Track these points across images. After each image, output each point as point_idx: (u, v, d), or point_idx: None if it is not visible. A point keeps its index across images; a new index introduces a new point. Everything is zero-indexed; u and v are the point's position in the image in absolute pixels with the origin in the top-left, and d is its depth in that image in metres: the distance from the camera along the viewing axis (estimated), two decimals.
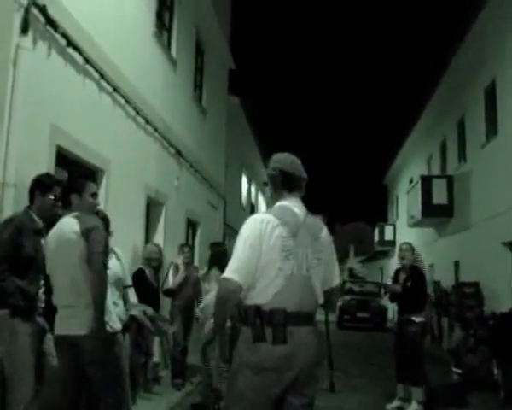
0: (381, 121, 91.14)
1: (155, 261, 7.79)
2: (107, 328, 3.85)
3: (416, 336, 7.66)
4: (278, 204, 3.36)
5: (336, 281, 3.49)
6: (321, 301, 3.32)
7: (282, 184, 3.39)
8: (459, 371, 10.14)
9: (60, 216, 4.33)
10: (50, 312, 4.22)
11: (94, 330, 3.70)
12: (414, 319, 7.62)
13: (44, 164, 5.39)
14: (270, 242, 3.11)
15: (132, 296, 5.94)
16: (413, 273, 7.80)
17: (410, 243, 8.30)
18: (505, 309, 9.75)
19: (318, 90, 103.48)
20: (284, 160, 3.45)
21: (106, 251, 3.92)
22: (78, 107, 6.35)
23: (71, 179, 4.41)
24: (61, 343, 3.97)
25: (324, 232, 3.39)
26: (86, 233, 3.81)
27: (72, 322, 3.84)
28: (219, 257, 7.08)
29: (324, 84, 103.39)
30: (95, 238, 3.82)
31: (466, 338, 10.54)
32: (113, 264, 5.08)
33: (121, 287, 5.32)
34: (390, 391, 9.31)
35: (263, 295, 3.10)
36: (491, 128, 13.84)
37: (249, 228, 3.17)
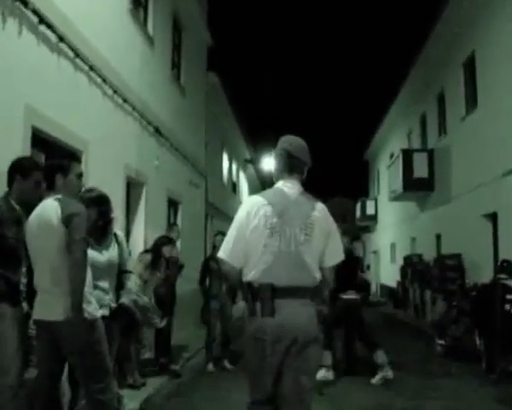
0: (361, 96, 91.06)
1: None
2: (85, 315, 3.74)
3: (340, 310, 8.38)
4: (274, 186, 3.60)
5: (335, 259, 3.55)
6: (317, 275, 3.42)
7: (284, 165, 3.59)
8: (442, 342, 10.26)
9: (41, 199, 4.22)
10: (32, 296, 4.15)
11: (71, 317, 3.63)
12: (341, 296, 8.33)
13: (19, 146, 5.26)
14: (254, 220, 3.34)
15: (130, 282, 5.82)
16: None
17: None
18: (486, 280, 9.84)
19: (298, 66, 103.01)
20: (292, 142, 3.64)
21: (86, 238, 3.81)
22: (53, 86, 6.20)
23: (56, 159, 4.19)
24: (40, 328, 3.93)
25: (317, 211, 3.46)
26: (67, 219, 3.70)
27: (50, 308, 3.76)
28: None
29: (305, 61, 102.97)
30: (76, 225, 3.70)
31: (448, 310, 10.64)
32: (110, 248, 4.92)
33: (114, 273, 5.06)
34: (372, 365, 9.40)
35: (254, 272, 3.31)
36: (471, 101, 13.85)
37: (240, 210, 3.45)
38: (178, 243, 11.77)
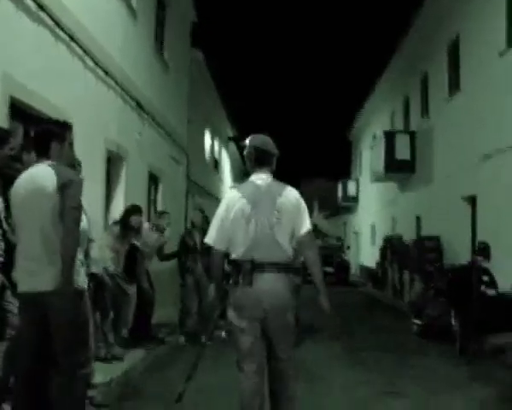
0: (344, 77, 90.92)
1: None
2: (75, 286, 3.65)
3: None
4: (248, 180, 4.26)
5: (303, 229, 4.09)
6: (289, 252, 4.06)
7: (255, 161, 4.24)
8: (419, 322, 10.39)
9: (18, 171, 4.14)
10: (9, 268, 4.09)
11: (61, 287, 3.52)
12: None
13: None
14: (233, 212, 4.04)
15: (93, 251, 5.80)
16: None
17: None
18: (464, 262, 9.96)
19: (283, 46, 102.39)
20: (257, 139, 4.31)
21: (80, 207, 3.71)
22: (32, 56, 6.08)
23: (50, 126, 4.02)
24: (26, 301, 3.77)
25: (285, 195, 4.10)
26: (63, 187, 3.59)
27: (38, 277, 3.62)
28: None
29: (289, 40, 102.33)
30: (71, 193, 3.60)
31: (426, 291, 10.78)
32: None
33: (85, 243, 5.02)
34: (349, 344, 9.51)
35: (237, 252, 4.01)
36: (454, 84, 13.91)
37: (222, 204, 4.19)
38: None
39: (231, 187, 4.58)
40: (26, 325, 3.79)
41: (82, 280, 3.79)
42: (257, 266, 3.92)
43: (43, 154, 3.84)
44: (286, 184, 4.21)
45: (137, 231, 7.70)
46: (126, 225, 7.36)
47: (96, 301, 6.44)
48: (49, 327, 3.69)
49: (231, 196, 4.21)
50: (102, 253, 6.83)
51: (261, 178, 4.18)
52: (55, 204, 3.60)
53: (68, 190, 3.59)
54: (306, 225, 4.11)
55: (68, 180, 3.62)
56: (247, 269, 3.93)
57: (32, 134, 4.05)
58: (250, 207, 4.02)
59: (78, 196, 3.67)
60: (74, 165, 4.46)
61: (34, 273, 3.64)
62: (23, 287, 3.73)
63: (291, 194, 4.13)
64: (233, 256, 4.04)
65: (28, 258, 3.69)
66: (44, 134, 3.95)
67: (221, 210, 4.15)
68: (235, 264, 4.02)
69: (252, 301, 3.90)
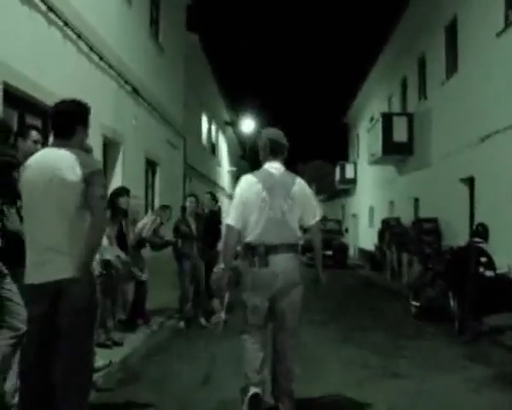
0: (341, 59, 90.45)
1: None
2: (92, 272, 3.60)
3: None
4: (262, 168, 4.71)
5: (315, 218, 4.76)
6: (298, 234, 4.66)
7: (269, 151, 4.71)
8: (417, 303, 10.41)
9: (13, 157, 4.09)
10: (6, 255, 4.06)
11: (80, 274, 3.42)
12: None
13: None
14: (250, 196, 4.49)
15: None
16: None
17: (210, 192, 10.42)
18: (462, 244, 9.96)
19: (279, 28, 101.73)
20: (271, 131, 4.86)
21: (106, 196, 3.61)
22: (25, 41, 6.03)
23: (75, 106, 3.73)
24: (35, 292, 3.58)
25: (296, 186, 4.61)
26: (89, 176, 3.44)
27: (56, 266, 3.48)
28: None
29: (286, 22, 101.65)
30: (98, 182, 3.47)
31: (424, 272, 10.78)
32: None
33: None
34: (347, 326, 9.54)
35: (251, 235, 4.46)
36: (452, 65, 13.84)
37: (239, 188, 4.61)
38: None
39: (244, 175, 4.82)
40: (35, 317, 3.63)
41: (96, 266, 3.76)
42: (271, 249, 4.43)
43: (65, 137, 3.61)
44: (296, 175, 4.74)
45: (125, 213, 7.63)
46: (114, 208, 7.24)
47: (107, 287, 6.46)
48: (57, 314, 3.55)
49: (248, 180, 4.62)
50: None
51: (275, 168, 4.66)
52: (79, 194, 3.43)
53: (94, 179, 3.45)
54: (317, 215, 4.75)
55: (94, 170, 3.49)
56: (262, 252, 4.42)
57: (53, 113, 3.72)
58: (265, 193, 4.48)
59: (104, 184, 3.58)
60: (87, 150, 4.23)
61: (50, 262, 3.48)
62: (34, 279, 3.55)
63: (302, 184, 4.67)
64: (248, 239, 4.47)
65: (43, 247, 3.51)
66: (70, 116, 3.70)
67: (238, 193, 4.59)
68: (250, 247, 4.47)
69: (268, 281, 4.42)
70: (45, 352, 3.62)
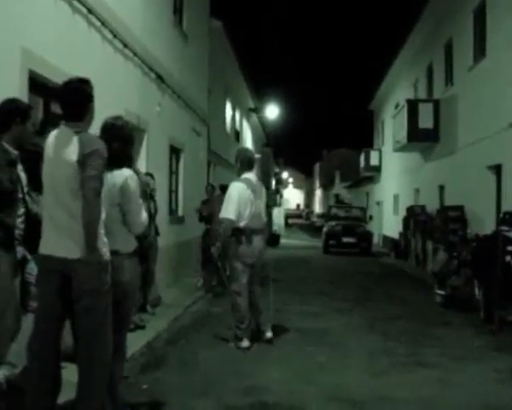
0: (367, 46, 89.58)
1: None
2: (101, 255, 3.61)
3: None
4: (243, 176, 7.08)
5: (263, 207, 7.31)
6: (266, 221, 7.39)
7: (247, 165, 7.19)
8: (442, 292, 10.32)
9: (37, 146, 4.12)
10: (30, 241, 4.10)
11: (86, 256, 3.49)
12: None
13: (16, 90, 5.16)
14: (243, 197, 6.82)
15: None
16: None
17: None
18: (488, 232, 9.83)
19: (305, 13, 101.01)
20: (247, 150, 7.85)
21: (101, 177, 3.59)
22: (50, 30, 6.05)
23: (84, 85, 3.78)
24: (46, 265, 3.69)
25: (263, 189, 7.33)
26: (85, 156, 3.51)
27: (65, 244, 3.57)
28: None
29: (311, 8, 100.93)
30: (92, 162, 3.51)
31: (449, 261, 10.66)
32: None
33: None
34: (372, 314, 9.50)
35: (243, 222, 6.83)
36: (480, 51, 13.57)
37: (235, 189, 6.88)
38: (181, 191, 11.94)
39: (237, 180, 7.10)
40: (45, 292, 3.73)
41: (107, 250, 3.70)
42: (253, 231, 6.86)
43: (76, 118, 3.69)
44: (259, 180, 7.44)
45: (151, 195, 8.02)
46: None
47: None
48: (69, 296, 3.64)
49: (242, 186, 6.90)
50: None
51: (252, 177, 7.15)
52: (75, 174, 3.53)
53: (89, 159, 3.51)
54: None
55: (91, 150, 3.54)
56: (248, 233, 6.82)
57: (61, 93, 3.79)
58: (252, 195, 6.89)
59: (100, 164, 3.57)
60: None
61: (61, 240, 3.60)
62: (46, 250, 3.67)
63: (263, 187, 7.40)
64: (240, 225, 6.78)
65: (53, 224, 3.64)
66: (85, 95, 3.78)
67: (235, 193, 6.81)
68: (240, 230, 6.79)
69: (251, 253, 6.86)
70: (55, 329, 3.74)
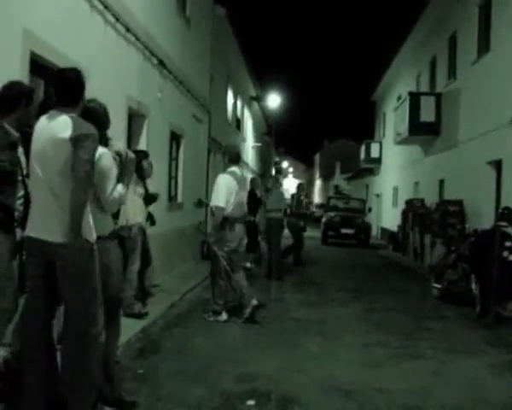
0: (370, 38, 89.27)
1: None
2: (86, 239, 3.62)
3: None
4: (230, 169, 7.89)
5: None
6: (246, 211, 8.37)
7: (233, 159, 8.07)
8: (439, 286, 10.35)
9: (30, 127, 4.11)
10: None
11: (70, 240, 3.51)
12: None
13: (17, 71, 5.14)
14: (231, 188, 7.62)
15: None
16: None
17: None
18: (487, 227, 9.84)
19: (309, 4, 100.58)
20: (235, 147, 9.20)
21: (93, 161, 3.62)
22: (52, 12, 6.01)
23: (77, 74, 3.81)
24: (32, 248, 3.74)
25: (246, 181, 8.03)
26: (76, 139, 3.54)
27: (48, 226, 3.61)
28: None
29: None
30: (84, 145, 3.55)
31: (447, 254, 10.69)
32: None
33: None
34: (368, 305, 9.53)
35: (228, 211, 7.59)
36: (484, 45, 13.51)
37: (223, 181, 7.71)
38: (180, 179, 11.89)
39: (225, 172, 7.94)
40: (32, 275, 3.77)
41: (93, 235, 3.74)
42: (236, 220, 7.68)
43: (70, 104, 3.75)
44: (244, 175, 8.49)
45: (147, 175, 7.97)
46: (139, 170, 7.40)
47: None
48: (56, 281, 3.68)
49: (229, 178, 7.71)
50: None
51: (237, 170, 7.98)
52: (69, 155, 3.55)
53: (82, 143, 3.54)
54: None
55: (83, 133, 3.58)
56: (232, 221, 7.62)
57: (58, 81, 3.82)
58: (237, 187, 7.72)
59: (92, 149, 3.61)
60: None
61: (45, 222, 3.64)
62: (32, 232, 3.70)
63: (246, 180, 8.32)
64: (226, 214, 7.54)
65: (38, 206, 3.69)
66: (78, 84, 3.83)
67: (224, 184, 7.62)
68: (225, 218, 7.56)
69: (235, 237, 7.70)
70: (45, 311, 3.78)
